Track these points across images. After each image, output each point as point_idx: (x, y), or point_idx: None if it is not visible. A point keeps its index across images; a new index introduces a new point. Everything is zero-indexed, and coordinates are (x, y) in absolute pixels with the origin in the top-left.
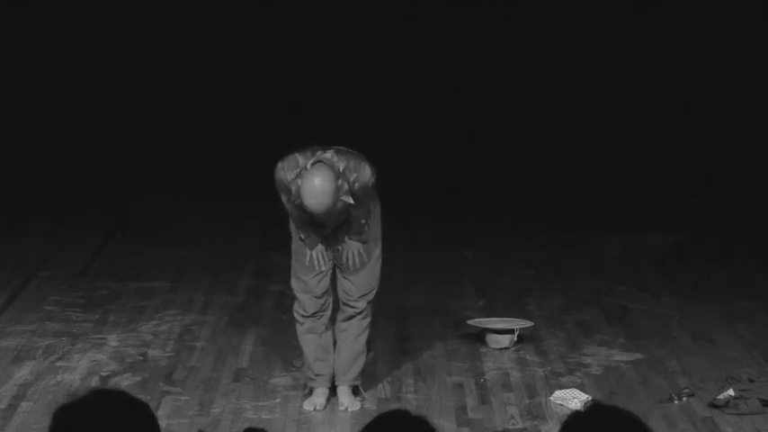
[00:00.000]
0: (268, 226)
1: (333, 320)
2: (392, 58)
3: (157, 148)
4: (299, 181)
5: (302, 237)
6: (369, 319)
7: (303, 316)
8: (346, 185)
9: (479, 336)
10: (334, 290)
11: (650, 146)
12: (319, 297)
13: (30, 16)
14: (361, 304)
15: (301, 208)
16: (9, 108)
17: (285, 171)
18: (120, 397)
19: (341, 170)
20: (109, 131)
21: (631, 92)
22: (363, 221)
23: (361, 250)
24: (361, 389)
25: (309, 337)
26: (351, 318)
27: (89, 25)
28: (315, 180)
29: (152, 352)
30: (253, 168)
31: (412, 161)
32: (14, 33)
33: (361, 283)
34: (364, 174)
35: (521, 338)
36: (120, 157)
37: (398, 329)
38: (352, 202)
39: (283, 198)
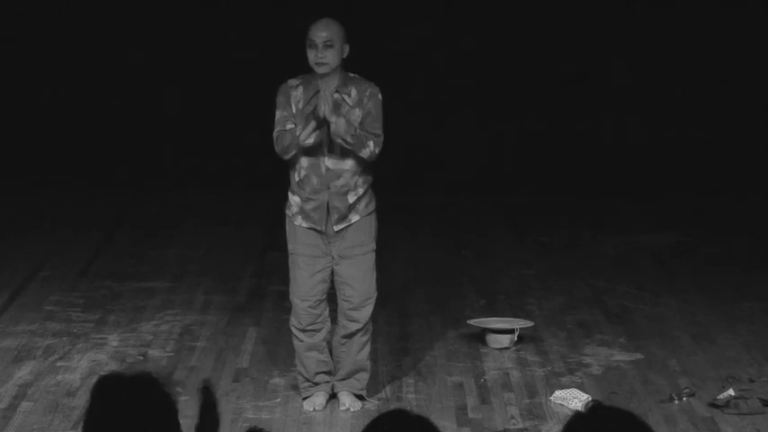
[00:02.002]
0: (268, 226)
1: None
2: (392, 57)
3: (157, 149)
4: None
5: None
6: (369, 336)
7: (298, 329)
8: (355, 90)
9: (479, 336)
10: (333, 314)
11: (651, 146)
12: (314, 307)
13: (30, 16)
14: (363, 317)
15: (294, 132)
16: (9, 108)
17: (289, 79)
18: (159, 385)
19: (351, 75)
20: (109, 131)
21: (631, 92)
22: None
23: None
24: (365, 397)
25: (311, 354)
26: (352, 335)
27: (89, 25)
28: None
29: (152, 352)
30: (253, 168)
31: (412, 161)
32: (14, 33)
33: (362, 288)
34: (375, 91)
35: (521, 338)
36: (120, 157)
37: (398, 329)
38: (351, 104)
39: (277, 115)
